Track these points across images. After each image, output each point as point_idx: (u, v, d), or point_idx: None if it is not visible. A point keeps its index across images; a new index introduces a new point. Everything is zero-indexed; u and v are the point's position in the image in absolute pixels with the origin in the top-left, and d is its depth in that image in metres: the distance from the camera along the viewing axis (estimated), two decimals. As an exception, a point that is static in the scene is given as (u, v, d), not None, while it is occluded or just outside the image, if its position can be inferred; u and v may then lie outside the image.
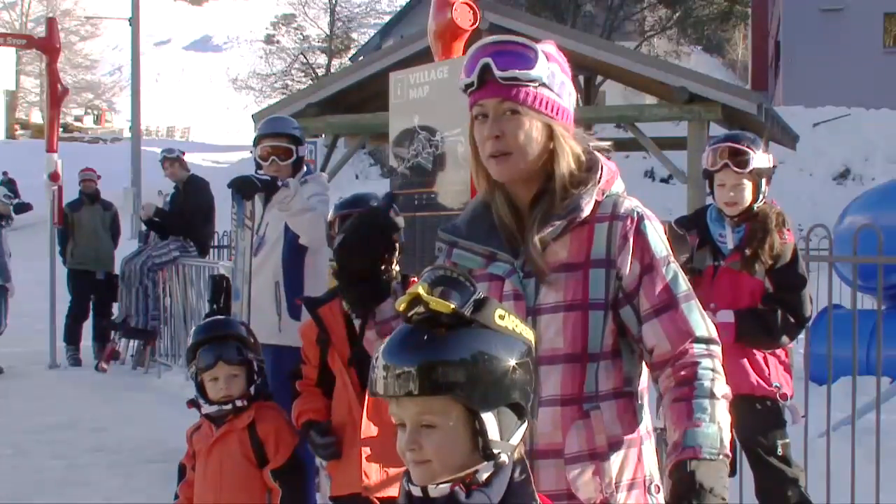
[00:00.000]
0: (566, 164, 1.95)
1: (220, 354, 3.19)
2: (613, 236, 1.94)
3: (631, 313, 1.94)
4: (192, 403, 3.27)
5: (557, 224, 1.93)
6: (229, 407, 3.19)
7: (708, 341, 1.94)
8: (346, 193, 3.42)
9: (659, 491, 1.98)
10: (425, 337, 1.49)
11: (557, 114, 1.95)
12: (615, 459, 1.92)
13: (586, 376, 1.92)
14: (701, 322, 1.94)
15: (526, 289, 1.95)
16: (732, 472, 4.08)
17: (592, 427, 1.91)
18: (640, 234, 1.95)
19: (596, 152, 2.03)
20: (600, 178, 1.98)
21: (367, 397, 2.98)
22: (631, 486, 1.94)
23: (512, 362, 1.50)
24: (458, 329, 1.50)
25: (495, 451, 1.50)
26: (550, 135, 1.94)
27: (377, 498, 2.98)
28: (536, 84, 1.91)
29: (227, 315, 4.26)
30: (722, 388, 1.90)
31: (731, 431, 3.79)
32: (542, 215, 1.94)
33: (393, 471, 2.96)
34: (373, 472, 2.97)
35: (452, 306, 1.50)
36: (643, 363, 2.01)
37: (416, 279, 3.09)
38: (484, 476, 1.50)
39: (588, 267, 1.93)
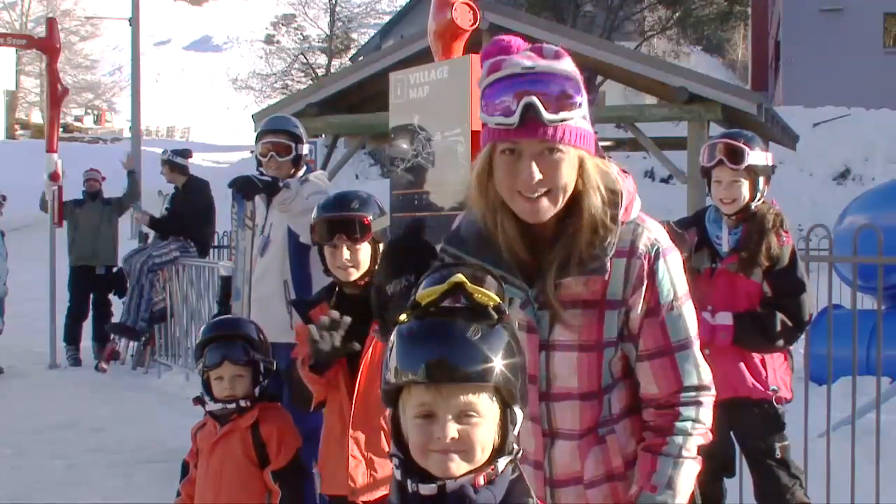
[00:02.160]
0: (597, 202, 1.83)
1: (226, 354, 3.20)
2: (630, 276, 1.87)
3: (632, 350, 1.93)
4: (198, 401, 3.28)
5: (578, 276, 1.84)
6: (233, 406, 3.19)
7: (698, 388, 1.91)
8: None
9: None
10: (475, 327, 1.47)
11: (588, 143, 1.83)
12: (631, 476, 1.93)
13: (602, 406, 1.92)
14: (692, 371, 1.91)
15: (540, 321, 1.88)
16: (732, 473, 4.08)
17: (609, 450, 1.92)
18: (653, 275, 1.88)
19: (614, 171, 1.91)
20: (624, 210, 1.88)
21: (354, 400, 2.98)
22: None
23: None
24: (498, 323, 1.50)
25: (515, 447, 1.53)
26: (580, 168, 1.83)
27: (364, 502, 2.97)
28: (578, 118, 1.79)
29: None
30: (695, 442, 1.89)
31: (730, 435, 3.83)
32: (562, 260, 1.84)
33: (380, 474, 2.96)
34: (359, 476, 2.96)
35: (498, 300, 1.51)
36: None
37: None
38: (501, 468, 1.51)
39: (604, 308, 1.88)
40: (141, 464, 6.10)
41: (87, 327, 9.94)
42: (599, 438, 1.92)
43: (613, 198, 1.87)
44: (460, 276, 1.52)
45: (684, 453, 1.87)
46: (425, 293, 1.52)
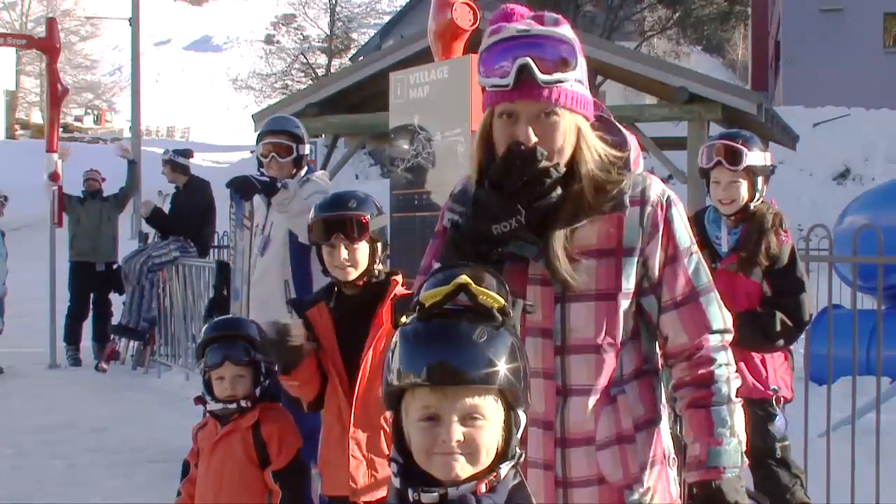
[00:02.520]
0: (593, 164, 1.85)
1: (227, 354, 3.19)
2: (645, 224, 1.88)
3: (654, 302, 1.92)
4: (199, 400, 3.28)
5: (592, 224, 1.86)
6: (234, 406, 3.19)
7: (723, 332, 1.95)
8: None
9: (675, 464, 2.01)
10: (481, 330, 1.46)
11: (585, 108, 1.85)
12: (640, 440, 1.93)
13: (616, 363, 1.91)
14: (718, 314, 1.94)
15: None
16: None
17: (619, 411, 1.91)
18: (669, 223, 1.91)
19: (619, 124, 1.94)
20: (634, 161, 1.91)
21: (354, 400, 2.98)
22: (653, 464, 1.95)
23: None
24: (502, 325, 1.49)
25: (517, 452, 1.52)
26: (578, 133, 1.85)
27: (364, 502, 2.98)
28: (574, 80, 1.81)
29: (226, 302, 4.25)
30: (735, 384, 1.93)
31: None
32: (570, 216, 1.85)
33: (380, 474, 2.96)
34: (360, 476, 2.97)
35: (503, 302, 1.49)
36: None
37: (396, 277, 3.09)
38: (504, 473, 1.49)
39: (620, 255, 1.88)
40: (141, 464, 6.10)
41: (88, 327, 9.95)
42: (611, 398, 1.90)
43: (618, 158, 1.89)
44: (465, 278, 1.50)
45: (733, 395, 1.90)
46: (429, 294, 1.50)
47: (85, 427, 7.10)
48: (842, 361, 4.92)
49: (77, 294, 9.95)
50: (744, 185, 3.75)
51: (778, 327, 3.67)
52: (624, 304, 1.89)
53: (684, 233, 1.93)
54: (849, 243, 4.84)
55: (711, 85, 9.29)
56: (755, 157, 3.75)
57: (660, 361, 2.02)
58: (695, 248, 1.95)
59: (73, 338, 9.84)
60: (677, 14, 31.38)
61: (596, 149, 1.87)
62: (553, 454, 1.91)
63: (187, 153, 9.46)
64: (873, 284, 5.30)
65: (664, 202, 1.91)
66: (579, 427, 1.90)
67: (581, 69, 1.83)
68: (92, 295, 9.96)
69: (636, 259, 1.89)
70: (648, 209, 1.89)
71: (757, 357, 3.79)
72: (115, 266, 9.88)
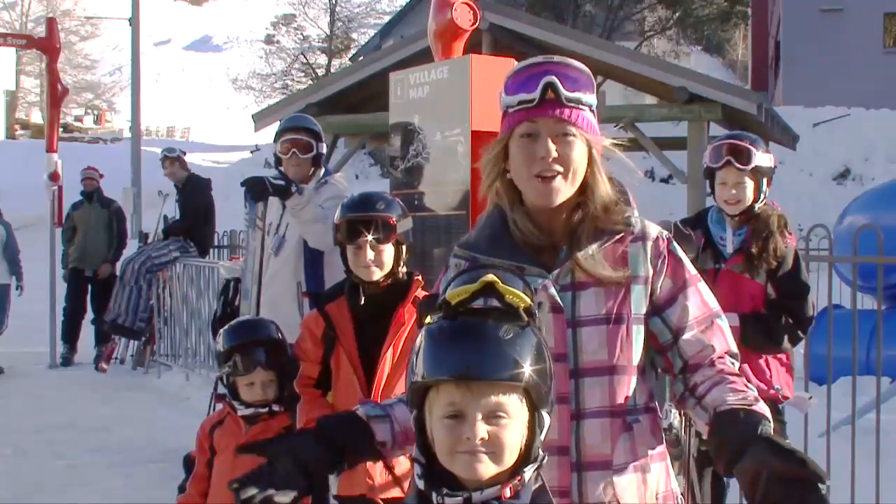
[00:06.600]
0: (604, 187, 1.95)
1: (258, 360, 3.20)
2: (648, 255, 1.95)
3: (660, 324, 1.95)
4: (221, 398, 3.28)
5: (606, 238, 1.92)
6: (265, 410, 3.20)
7: (736, 357, 1.99)
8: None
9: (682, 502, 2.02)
10: (507, 328, 1.47)
11: (597, 138, 1.96)
12: (655, 472, 1.94)
13: (630, 388, 1.92)
14: (731, 339, 2.00)
15: (563, 301, 1.91)
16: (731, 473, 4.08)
17: (636, 439, 1.92)
18: (674, 254, 1.97)
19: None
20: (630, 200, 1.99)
21: (372, 398, 2.98)
22: (665, 499, 1.96)
23: None
24: (528, 325, 1.50)
25: (541, 454, 1.51)
26: (589, 158, 1.94)
27: (382, 499, 2.98)
28: (589, 108, 1.92)
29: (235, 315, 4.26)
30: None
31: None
32: (589, 234, 1.92)
33: (397, 471, 2.97)
34: (377, 474, 2.97)
35: (529, 301, 1.51)
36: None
37: (418, 277, 3.11)
38: (528, 477, 1.49)
39: (628, 280, 1.92)
40: (141, 464, 6.10)
41: (90, 328, 9.96)
42: (627, 425, 1.91)
43: (620, 187, 1.98)
44: (492, 277, 1.51)
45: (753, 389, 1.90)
46: (456, 292, 1.51)
47: (85, 427, 7.10)
48: (842, 361, 4.92)
49: (70, 292, 10.02)
50: (750, 186, 3.76)
51: (783, 329, 3.69)
52: (636, 328, 1.92)
53: (691, 264, 2.01)
54: (849, 243, 4.84)
55: (711, 85, 9.28)
56: (762, 157, 3.77)
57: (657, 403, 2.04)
58: (700, 278, 2.01)
59: (66, 336, 9.90)
60: (677, 14, 31.34)
61: (605, 171, 1.96)
62: (568, 480, 1.90)
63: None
64: (873, 284, 5.30)
65: (664, 237, 1.98)
66: (596, 450, 1.89)
67: (595, 106, 1.94)
68: (89, 295, 9.98)
69: (643, 287, 1.93)
70: (649, 243, 1.96)
71: (761, 358, 3.79)
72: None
